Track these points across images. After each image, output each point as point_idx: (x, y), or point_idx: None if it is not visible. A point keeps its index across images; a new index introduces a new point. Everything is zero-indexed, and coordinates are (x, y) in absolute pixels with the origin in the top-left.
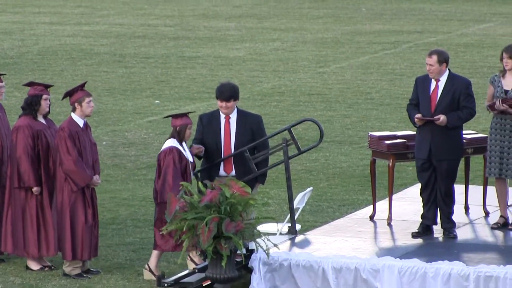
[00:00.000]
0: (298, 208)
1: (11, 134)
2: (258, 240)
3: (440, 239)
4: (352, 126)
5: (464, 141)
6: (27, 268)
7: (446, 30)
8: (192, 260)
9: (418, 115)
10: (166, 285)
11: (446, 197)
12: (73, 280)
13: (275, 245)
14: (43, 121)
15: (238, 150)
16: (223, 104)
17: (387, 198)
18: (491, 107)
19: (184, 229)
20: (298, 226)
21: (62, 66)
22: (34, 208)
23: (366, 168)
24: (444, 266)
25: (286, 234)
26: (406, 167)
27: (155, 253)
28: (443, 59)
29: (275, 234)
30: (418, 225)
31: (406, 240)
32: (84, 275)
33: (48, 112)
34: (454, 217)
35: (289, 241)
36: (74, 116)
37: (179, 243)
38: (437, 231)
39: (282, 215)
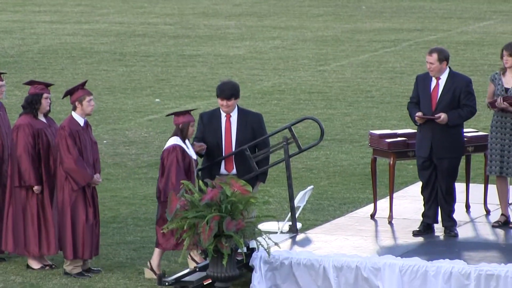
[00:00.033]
0: (299, 207)
1: (11, 132)
2: (259, 238)
3: (441, 237)
4: (353, 124)
5: (465, 139)
6: (28, 267)
7: (446, 28)
8: (192, 259)
9: (419, 114)
10: (167, 284)
11: (447, 196)
12: (74, 279)
13: (276, 243)
14: (43, 119)
15: (239, 148)
16: (224, 102)
17: (388, 197)
18: (492, 104)
19: (185, 227)
20: (299, 225)
21: (62, 65)
22: (34, 207)
23: (367, 166)
24: (445, 264)
25: (287, 232)
26: (407, 165)
27: (157, 251)
28: (444, 57)
29: (276, 232)
30: (419, 223)
31: (407, 238)
32: (85, 274)
33: (49, 110)
34: (455, 216)
35: (290, 240)
36: (75, 115)
37: (180, 242)
38: (438, 229)
39: (283, 214)
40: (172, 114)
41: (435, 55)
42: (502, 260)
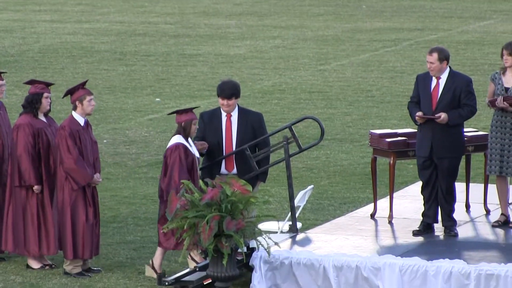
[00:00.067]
0: (299, 206)
1: (11, 132)
2: (259, 238)
3: (441, 237)
4: (353, 124)
5: (465, 138)
6: (28, 266)
7: (447, 27)
8: (192, 259)
9: (419, 113)
10: (166, 283)
11: (447, 195)
12: (73, 279)
13: (276, 243)
14: (43, 119)
15: (239, 148)
16: (225, 102)
17: (388, 196)
18: (492, 103)
19: (185, 227)
20: (299, 224)
21: (62, 64)
22: (34, 206)
23: (367, 166)
24: (445, 264)
25: (287, 232)
26: (407, 165)
27: (159, 250)
28: (444, 57)
29: (276, 232)
30: (419, 223)
31: (407, 238)
32: (85, 274)
33: (49, 110)
34: (455, 215)
35: (290, 239)
36: (75, 114)
37: (180, 241)
38: (438, 229)
39: (283, 213)
40: (174, 112)
41: (435, 55)
42: (502, 259)
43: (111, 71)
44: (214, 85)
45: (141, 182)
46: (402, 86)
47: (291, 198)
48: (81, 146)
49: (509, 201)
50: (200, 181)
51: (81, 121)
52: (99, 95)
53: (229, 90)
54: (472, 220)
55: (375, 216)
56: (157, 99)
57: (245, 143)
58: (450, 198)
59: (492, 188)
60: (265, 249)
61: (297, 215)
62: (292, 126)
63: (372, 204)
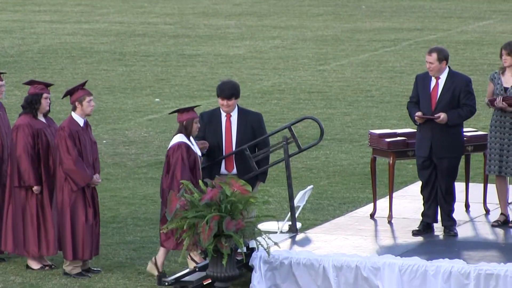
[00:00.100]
0: (298, 206)
1: (11, 132)
2: (259, 238)
3: (441, 237)
4: (352, 124)
5: (464, 138)
6: (28, 267)
7: (446, 27)
8: (192, 259)
9: (419, 113)
10: (166, 284)
11: (447, 195)
12: (73, 279)
13: (275, 243)
14: (43, 119)
15: (239, 148)
16: (224, 102)
17: (388, 196)
18: (492, 102)
19: (185, 227)
20: (298, 224)
21: (62, 65)
22: (34, 207)
23: (367, 166)
24: (444, 264)
25: (287, 232)
26: (407, 164)
27: (162, 249)
28: (443, 57)
29: (276, 232)
30: (418, 223)
31: (406, 238)
32: (85, 274)
33: (48, 110)
34: (454, 215)
35: (289, 240)
36: (75, 115)
37: (180, 241)
38: (438, 229)
39: (283, 214)
40: (175, 111)
41: (434, 55)
42: (502, 259)
43: (111, 72)
44: (213, 85)
45: (141, 183)
46: (401, 86)
47: (291, 198)
48: (80, 147)
49: (509, 201)
50: (200, 182)
51: (81, 121)
52: (98, 96)
53: (229, 91)
54: (471, 220)
55: (375, 216)
56: (157, 100)
57: (244, 143)
58: (449, 198)
59: (492, 188)
60: (265, 249)
61: (296, 215)
62: (291, 126)
63: (372, 204)
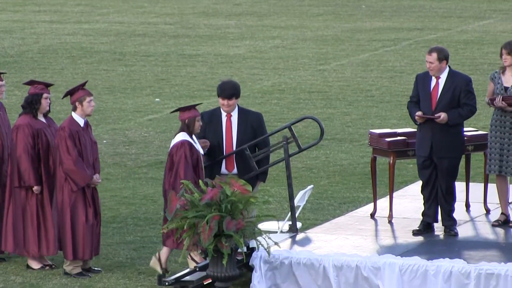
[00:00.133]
0: (298, 206)
1: (11, 132)
2: (259, 238)
3: (441, 236)
4: (353, 124)
5: (465, 138)
6: (28, 267)
7: (446, 27)
8: (192, 259)
9: (419, 113)
10: (166, 283)
11: (447, 195)
12: (73, 279)
13: (276, 243)
14: (43, 120)
15: (239, 148)
16: (225, 102)
17: (388, 196)
18: (493, 100)
19: (185, 227)
20: (299, 224)
21: (62, 65)
22: (34, 207)
23: (367, 165)
24: (445, 263)
25: (287, 232)
26: (407, 164)
27: (165, 248)
28: (443, 57)
29: (276, 232)
30: (419, 222)
31: (407, 237)
32: (85, 274)
33: (49, 111)
34: (455, 215)
35: (290, 239)
36: (75, 115)
37: (180, 241)
38: (438, 228)
39: (283, 213)
40: (177, 110)
41: (434, 55)
42: (502, 259)
43: (111, 72)
44: (213, 85)
45: (141, 183)
46: (401, 86)
47: (291, 198)
48: (80, 147)
49: (509, 201)
50: (200, 181)
51: (81, 122)
52: (98, 96)
53: (229, 90)
54: (472, 220)
55: (375, 215)
56: (157, 100)
57: (245, 143)
58: (450, 197)
59: (492, 187)
60: (265, 249)
61: (297, 215)
62: (291, 126)
63: (372, 204)
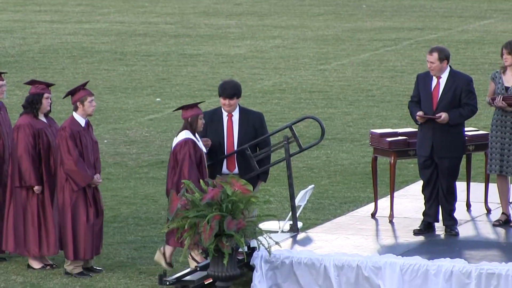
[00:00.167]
0: (299, 206)
1: (12, 132)
2: (260, 238)
3: (442, 236)
4: (353, 124)
5: (466, 138)
6: (29, 266)
7: (447, 26)
8: (193, 259)
9: (420, 113)
10: (167, 283)
11: (448, 194)
12: (74, 279)
13: (276, 243)
14: (44, 119)
15: (240, 147)
16: (226, 101)
17: (389, 196)
18: (493, 100)
19: (186, 227)
20: (299, 224)
21: (63, 65)
22: (35, 207)
23: (368, 165)
24: (446, 263)
25: (288, 232)
26: (408, 164)
27: (168, 247)
28: (444, 56)
29: (277, 232)
30: (419, 222)
31: (407, 237)
32: (86, 274)
33: (49, 110)
34: (455, 214)
35: (290, 239)
36: (76, 115)
37: (181, 241)
38: (439, 228)
39: (284, 213)
40: (179, 108)
41: (435, 54)
42: (503, 258)
43: (112, 71)
44: (214, 85)
45: (142, 182)
46: (402, 86)
47: (292, 197)
48: (81, 147)
49: (510, 200)
50: (201, 181)
51: (82, 122)
52: (99, 95)
53: (230, 90)
54: (473, 219)
55: (376, 215)
56: (158, 99)
57: (246, 143)
58: (450, 197)
59: (493, 187)
60: (266, 249)
61: (297, 214)
62: (292, 126)
63: (373, 204)
